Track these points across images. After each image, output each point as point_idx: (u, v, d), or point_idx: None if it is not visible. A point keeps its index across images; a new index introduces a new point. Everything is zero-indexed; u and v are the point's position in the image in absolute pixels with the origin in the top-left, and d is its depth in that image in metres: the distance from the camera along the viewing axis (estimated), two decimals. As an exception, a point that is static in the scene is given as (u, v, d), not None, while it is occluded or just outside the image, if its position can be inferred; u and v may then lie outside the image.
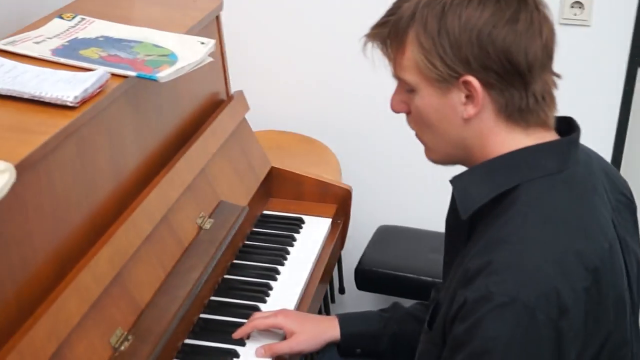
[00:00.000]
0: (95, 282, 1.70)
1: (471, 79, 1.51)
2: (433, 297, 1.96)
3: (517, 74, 1.51)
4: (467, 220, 1.61)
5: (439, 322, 1.59)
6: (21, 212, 1.59)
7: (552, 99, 1.58)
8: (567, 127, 1.62)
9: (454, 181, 1.62)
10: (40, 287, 1.63)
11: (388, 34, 1.59)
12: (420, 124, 1.62)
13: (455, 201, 1.62)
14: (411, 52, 1.55)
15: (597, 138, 1.98)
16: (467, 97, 1.53)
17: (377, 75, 3.10)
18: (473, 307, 1.44)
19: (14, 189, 1.45)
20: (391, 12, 1.60)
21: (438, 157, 1.65)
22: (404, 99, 1.62)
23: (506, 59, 1.50)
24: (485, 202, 1.56)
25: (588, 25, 2.96)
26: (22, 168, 1.54)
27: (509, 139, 1.56)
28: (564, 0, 2.92)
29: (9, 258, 1.55)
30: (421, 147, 3.15)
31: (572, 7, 2.93)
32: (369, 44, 1.64)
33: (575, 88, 2.70)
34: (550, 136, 1.58)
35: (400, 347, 2.01)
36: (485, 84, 1.51)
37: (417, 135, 1.66)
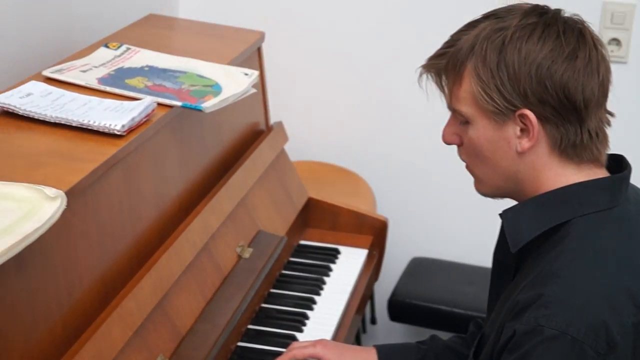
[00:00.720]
0: (138, 308, 1.73)
1: (528, 112, 1.53)
2: (471, 330, 1.97)
3: (574, 109, 1.53)
4: (515, 254, 1.63)
5: (485, 353, 1.60)
6: (69, 239, 1.62)
7: (605, 136, 1.60)
8: (617, 165, 1.64)
9: (504, 214, 1.63)
10: (85, 313, 1.66)
11: (446, 65, 1.61)
12: (472, 156, 1.63)
13: (504, 234, 1.63)
14: (468, 84, 1.57)
15: None
16: (522, 130, 1.55)
17: (413, 108, 3.15)
18: (522, 340, 1.45)
19: (63, 216, 1.48)
20: (449, 45, 1.62)
21: (488, 189, 1.67)
22: (457, 131, 1.64)
23: (563, 94, 1.52)
24: (535, 236, 1.57)
25: (625, 62, 2.97)
26: (71, 195, 1.57)
27: (561, 174, 1.57)
28: (601, 38, 2.93)
29: (56, 284, 1.58)
30: (456, 180, 3.18)
31: (610, 44, 2.94)
32: (424, 76, 1.66)
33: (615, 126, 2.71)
34: (602, 173, 1.60)
35: (437, 380, 2.02)
36: (541, 118, 1.53)
37: (467, 167, 1.67)
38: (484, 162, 1.61)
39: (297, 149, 3.07)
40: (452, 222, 3.27)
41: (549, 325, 1.43)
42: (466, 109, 1.59)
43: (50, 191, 1.48)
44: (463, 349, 1.94)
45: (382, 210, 3.02)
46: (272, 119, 2.67)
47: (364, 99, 3.23)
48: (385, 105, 3.19)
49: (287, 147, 2.67)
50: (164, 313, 1.82)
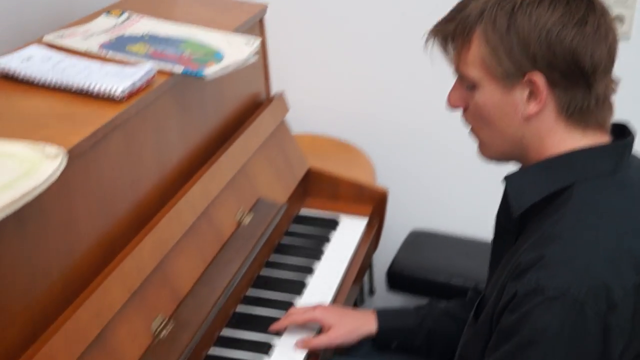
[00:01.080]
0: (137, 270, 1.75)
1: (537, 76, 1.54)
2: (470, 296, 2.00)
3: (581, 74, 1.54)
4: (517, 218, 1.65)
5: (485, 314, 1.63)
6: (69, 199, 1.64)
7: (610, 103, 1.62)
8: (621, 133, 1.65)
9: (508, 179, 1.65)
10: (85, 273, 1.68)
11: (454, 30, 1.62)
12: (478, 120, 1.65)
13: (507, 198, 1.65)
14: (477, 48, 1.59)
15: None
16: (530, 95, 1.56)
17: (414, 82, 3.16)
18: (523, 300, 1.48)
19: (63, 175, 1.49)
20: (458, 10, 1.64)
21: (492, 154, 1.68)
22: (463, 96, 1.65)
23: (572, 59, 1.54)
24: (538, 200, 1.59)
25: (628, 39, 2.97)
26: (72, 156, 1.59)
27: (567, 139, 1.59)
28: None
29: (56, 243, 1.60)
30: (455, 153, 3.20)
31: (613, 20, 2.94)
32: (431, 42, 1.67)
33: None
34: (606, 139, 1.62)
35: (435, 344, 2.04)
36: (549, 82, 1.55)
37: (472, 130, 1.69)
38: (490, 127, 1.63)
39: (297, 122, 3.09)
40: (452, 194, 3.29)
41: (549, 286, 1.46)
42: (474, 73, 1.60)
43: (51, 149, 1.49)
44: (462, 314, 1.97)
45: (382, 182, 3.04)
46: (273, 91, 2.68)
47: (364, 72, 3.23)
48: (387, 78, 3.20)
49: (287, 119, 2.68)
50: (163, 275, 1.84)
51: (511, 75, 1.56)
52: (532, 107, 1.57)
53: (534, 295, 1.47)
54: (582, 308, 1.45)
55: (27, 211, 1.50)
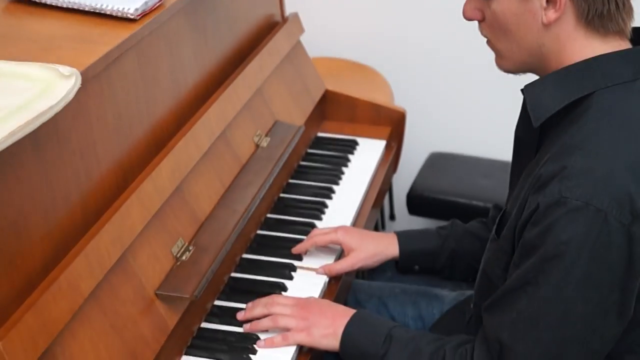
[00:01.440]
0: (157, 192, 1.72)
1: None
2: (492, 214, 1.96)
3: None
4: (537, 129, 1.61)
5: (508, 229, 1.60)
6: (85, 121, 1.61)
7: (630, 6, 1.56)
8: None
9: (527, 89, 1.60)
10: (104, 196, 1.66)
11: None
12: (495, 30, 1.60)
13: (526, 110, 1.61)
14: None
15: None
16: (548, 1, 1.51)
17: (429, 2, 3.10)
18: (546, 212, 1.45)
19: (77, 98, 1.47)
20: None
21: (511, 65, 1.63)
22: (479, 6, 1.61)
23: None
24: (558, 109, 1.55)
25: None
26: (86, 77, 1.55)
27: (586, 46, 1.54)
28: None
29: (74, 165, 1.57)
30: (473, 75, 3.15)
31: None
32: None
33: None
34: (627, 45, 1.57)
35: (458, 264, 2.02)
36: None
37: (489, 42, 1.64)
38: (508, 37, 1.58)
39: (314, 45, 3.04)
40: (470, 116, 3.25)
41: (572, 197, 1.43)
42: None
43: (65, 69, 1.46)
44: (484, 233, 1.94)
45: (400, 104, 2.99)
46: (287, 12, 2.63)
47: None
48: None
49: (304, 44, 2.64)
50: (182, 198, 1.82)
51: None
52: (551, 14, 1.52)
53: (557, 207, 1.44)
54: (605, 218, 1.42)
55: (44, 134, 1.48)
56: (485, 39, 1.65)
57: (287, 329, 1.77)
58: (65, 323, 1.43)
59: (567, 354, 1.50)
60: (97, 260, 1.53)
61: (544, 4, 1.52)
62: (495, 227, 1.68)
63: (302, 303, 1.82)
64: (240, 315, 1.82)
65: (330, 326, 1.76)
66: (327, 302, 1.85)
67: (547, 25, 1.53)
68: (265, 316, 1.80)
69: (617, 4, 1.52)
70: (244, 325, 1.80)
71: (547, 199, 1.45)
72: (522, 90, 1.61)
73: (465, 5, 1.64)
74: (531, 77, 1.65)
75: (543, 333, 1.49)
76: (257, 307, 1.81)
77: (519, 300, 1.51)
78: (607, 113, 1.51)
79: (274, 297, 1.83)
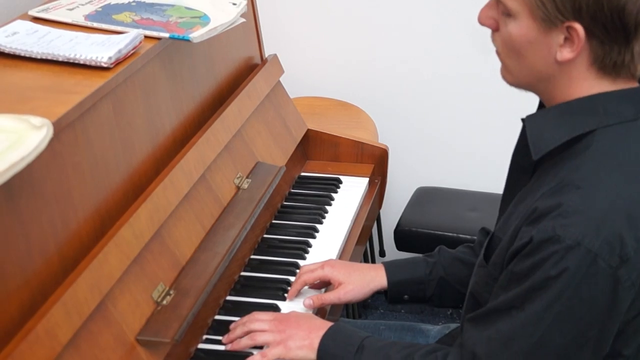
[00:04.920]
0: (135, 237, 1.73)
1: (578, 26, 1.49)
2: (479, 239, 1.97)
3: (623, 30, 1.49)
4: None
5: (497, 256, 1.62)
6: (60, 171, 1.62)
7: None
8: None
9: (528, 120, 1.61)
10: (81, 244, 1.66)
11: None
12: (508, 48, 1.59)
13: (525, 139, 1.62)
14: None
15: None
16: (566, 40, 1.52)
17: (411, 37, 3.13)
18: (538, 247, 1.47)
19: (52, 147, 1.48)
20: None
21: (515, 81, 1.63)
22: (496, 17, 1.60)
23: (618, 15, 1.48)
24: (558, 144, 1.56)
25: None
26: (60, 126, 1.57)
27: (595, 86, 1.55)
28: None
29: (50, 214, 1.58)
30: (458, 109, 3.17)
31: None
32: None
33: None
34: (634, 85, 1.58)
35: (447, 291, 2.02)
36: (588, 33, 1.50)
37: (498, 53, 1.64)
38: (519, 59, 1.58)
39: (296, 85, 3.06)
40: (457, 150, 3.27)
41: (565, 235, 1.45)
42: (514, 4, 1.54)
43: (36, 120, 1.47)
44: (472, 258, 1.96)
45: (385, 142, 3.01)
46: (268, 54, 2.65)
47: (360, 30, 3.20)
48: (383, 35, 3.17)
49: (285, 83, 2.65)
50: (162, 243, 1.82)
51: (551, 19, 1.51)
52: (566, 53, 1.52)
53: (550, 243, 1.46)
54: (594, 260, 1.44)
55: (18, 185, 1.48)
56: (495, 49, 1.64)
57: (267, 344, 1.80)
58: (44, 372, 1.43)
59: None
60: (75, 308, 1.53)
61: (561, 41, 1.52)
62: (483, 250, 1.69)
63: (280, 317, 1.86)
64: (224, 339, 1.86)
65: (306, 338, 1.80)
66: (306, 315, 1.88)
67: (560, 62, 1.54)
68: (246, 334, 1.83)
69: (632, 55, 1.53)
70: (226, 346, 1.84)
71: (541, 235, 1.47)
72: (522, 119, 1.63)
73: (482, 11, 1.63)
74: (526, 101, 1.65)
75: (515, 356, 1.52)
76: (238, 327, 1.86)
77: (501, 320, 1.54)
78: (607, 153, 1.52)
79: (254, 314, 1.87)
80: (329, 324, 1.82)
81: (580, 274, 1.44)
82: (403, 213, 3.05)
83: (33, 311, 1.49)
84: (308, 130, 2.64)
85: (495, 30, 1.61)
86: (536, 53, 1.55)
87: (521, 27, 1.55)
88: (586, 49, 1.52)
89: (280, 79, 2.61)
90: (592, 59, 1.53)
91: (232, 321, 1.92)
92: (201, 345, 1.85)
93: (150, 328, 1.69)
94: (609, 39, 1.50)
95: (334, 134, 2.65)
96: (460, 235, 2.89)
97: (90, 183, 1.71)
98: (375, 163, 2.63)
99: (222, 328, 1.90)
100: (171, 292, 1.78)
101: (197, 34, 1.96)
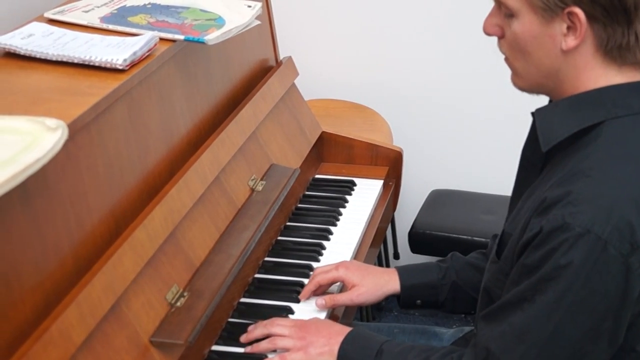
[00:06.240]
0: (149, 239, 1.73)
1: (578, 10, 1.50)
2: (491, 245, 1.97)
3: (623, 11, 1.50)
4: (544, 152, 1.63)
5: (508, 250, 1.62)
6: (75, 172, 1.62)
7: None
8: None
9: (538, 113, 1.63)
10: (96, 245, 1.67)
11: None
12: (514, 49, 1.61)
13: (535, 132, 1.63)
14: None
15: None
16: (569, 28, 1.53)
17: (426, 39, 3.12)
18: (548, 236, 1.47)
19: (67, 149, 1.48)
20: None
21: (526, 84, 1.65)
22: (500, 23, 1.62)
23: None
24: (567, 135, 1.57)
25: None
26: (75, 128, 1.58)
27: (602, 75, 1.56)
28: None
29: (65, 215, 1.58)
30: (472, 112, 3.17)
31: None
32: None
33: None
34: (638, 75, 1.59)
35: (460, 296, 2.02)
36: (590, 17, 1.51)
37: (507, 60, 1.66)
38: (526, 58, 1.60)
39: (310, 87, 3.06)
40: (471, 153, 3.27)
41: (575, 223, 1.45)
42: (513, 2, 1.56)
43: (51, 122, 1.47)
44: (484, 264, 1.95)
45: (400, 144, 3.01)
46: (282, 56, 2.66)
47: (375, 32, 3.20)
48: (398, 37, 3.17)
49: (300, 85, 2.66)
50: (176, 244, 1.83)
51: (551, 7, 1.52)
52: (571, 41, 1.54)
53: (559, 232, 1.46)
54: (605, 247, 1.44)
55: (33, 186, 1.49)
56: (504, 56, 1.66)
57: (286, 349, 1.81)
58: (57, 373, 1.43)
59: None
60: (89, 309, 1.53)
61: (565, 30, 1.53)
62: (495, 248, 1.69)
63: (301, 324, 1.86)
64: (243, 338, 1.86)
65: (326, 344, 1.80)
66: (325, 322, 1.88)
67: (565, 52, 1.55)
68: (265, 337, 1.84)
69: (637, 37, 1.53)
70: (245, 347, 1.84)
71: (551, 224, 1.47)
72: (532, 113, 1.64)
73: (486, 20, 1.65)
74: (540, 102, 1.66)
75: (530, 349, 1.52)
76: (258, 328, 1.87)
77: (513, 314, 1.54)
78: (616, 143, 1.53)
79: (274, 319, 1.88)
80: (348, 329, 1.82)
81: (590, 262, 1.44)
82: (417, 216, 3.05)
83: (47, 312, 1.49)
84: (322, 132, 2.64)
85: (501, 37, 1.63)
86: (542, 47, 1.56)
87: (524, 24, 1.56)
88: (590, 34, 1.53)
89: (295, 81, 2.61)
90: (597, 44, 1.54)
91: (246, 323, 1.92)
92: (215, 347, 1.86)
93: (164, 330, 1.69)
94: (611, 20, 1.51)
95: (349, 137, 2.65)
96: (475, 238, 2.89)
97: (105, 184, 1.71)
98: (389, 165, 2.63)
99: (236, 330, 1.90)
100: (185, 293, 1.78)
101: (212, 37, 1.97)
